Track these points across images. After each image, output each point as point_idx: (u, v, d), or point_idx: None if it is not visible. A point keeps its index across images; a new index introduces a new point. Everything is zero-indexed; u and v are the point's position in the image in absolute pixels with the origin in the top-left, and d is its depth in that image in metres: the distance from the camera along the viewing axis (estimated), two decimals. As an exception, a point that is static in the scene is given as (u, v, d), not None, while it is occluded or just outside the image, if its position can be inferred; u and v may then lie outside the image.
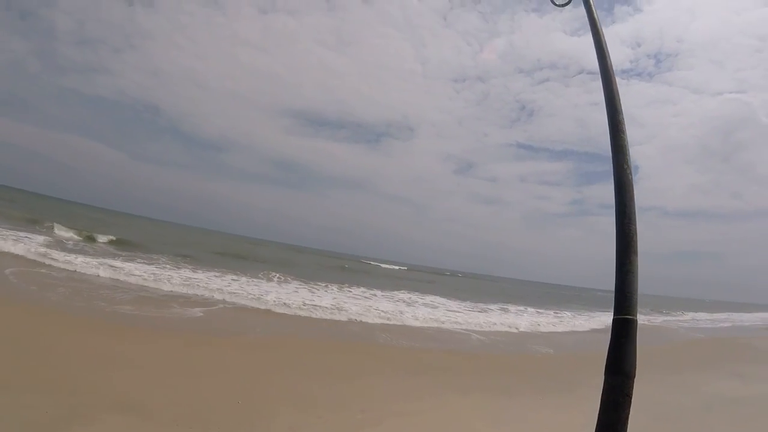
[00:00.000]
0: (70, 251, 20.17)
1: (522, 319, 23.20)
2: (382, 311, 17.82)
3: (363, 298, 21.87)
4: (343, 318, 15.60)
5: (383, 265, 74.36)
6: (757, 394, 11.01)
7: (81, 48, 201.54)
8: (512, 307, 28.05)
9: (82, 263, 16.83)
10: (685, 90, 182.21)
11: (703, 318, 40.79)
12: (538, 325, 21.60)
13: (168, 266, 21.06)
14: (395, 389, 8.39)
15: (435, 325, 17.34)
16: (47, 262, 16.31)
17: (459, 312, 22.26)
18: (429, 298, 26.40)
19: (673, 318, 36.84)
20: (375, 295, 23.65)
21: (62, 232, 27.35)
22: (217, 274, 21.11)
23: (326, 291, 22.22)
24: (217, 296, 15.46)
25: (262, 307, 15.22)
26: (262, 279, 22.81)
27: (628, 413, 1.38)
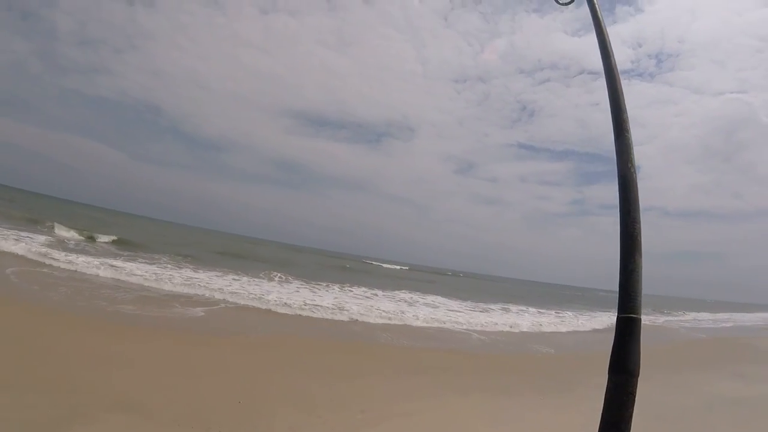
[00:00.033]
0: (72, 251, 20.19)
1: (523, 318, 23.19)
2: (383, 311, 17.82)
3: (364, 297, 21.88)
4: (344, 318, 15.60)
5: (384, 265, 74.42)
6: (758, 395, 11.00)
7: (82, 48, 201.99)
8: (513, 307, 28.03)
9: (84, 263, 16.84)
10: (687, 90, 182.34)
11: (704, 318, 40.75)
12: (540, 325, 21.58)
13: (169, 266, 21.09)
14: (396, 389, 8.38)
15: (436, 324, 17.33)
16: (48, 261, 16.32)
17: (460, 312, 22.27)
18: (430, 298, 26.40)
19: (675, 318, 36.80)
20: (376, 295, 23.65)
21: (63, 232, 27.39)
22: (218, 273, 21.13)
23: (327, 291, 22.21)
24: (219, 296, 15.46)
25: (264, 306, 15.23)
26: (264, 279, 22.82)
27: (632, 412, 1.37)
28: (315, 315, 15.28)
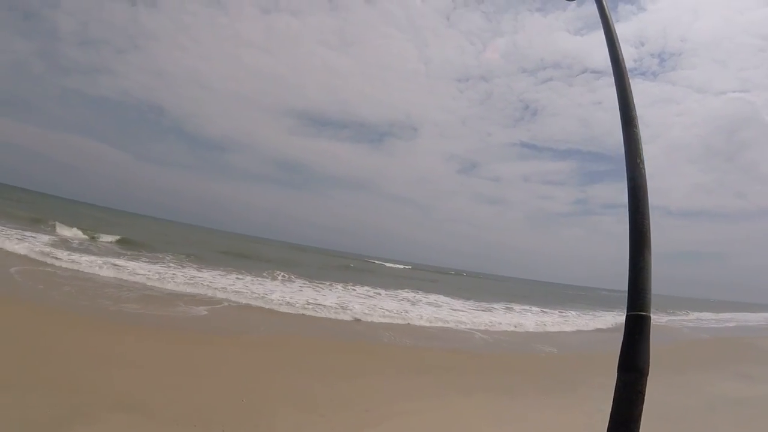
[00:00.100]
0: (75, 250, 20.24)
1: (526, 318, 23.18)
2: (386, 310, 17.82)
3: (367, 296, 21.88)
4: (347, 317, 15.60)
5: (387, 264, 74.38)
6: (761, 395, 10.96)
7: (84, 49, 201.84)
8: (516, 307, 28.03)
9: (87, 262, 16.88)
10: (689, 89, 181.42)
11: (707, 318, 40.67)
12: (543, 324, 21.57)
13: (172, 265, 21.13)
14: (399, 388, 8.37)
15: (439, 324, 17.32)
16: (52, 261, 16.35)
17: (463, 311, 22.26)
18: (433, 297, 26.38)
19: (678, 318, 36.70)
20: (379, 294, 23.65)
21: (66, 232, 27.42)
22: (221, 273, 21.16)
23: (330, 290, 22.21)
24: (222, 295, 15.46)
25: (267, 306, 15.23)
26: (267, 278, 22.83)
27: (641, 410, 1.35)
28: (318, 314, 15.28)
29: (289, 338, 11.76)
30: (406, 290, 27.63)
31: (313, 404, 6.90)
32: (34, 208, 46.20)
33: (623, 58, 1.70)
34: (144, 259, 21.83)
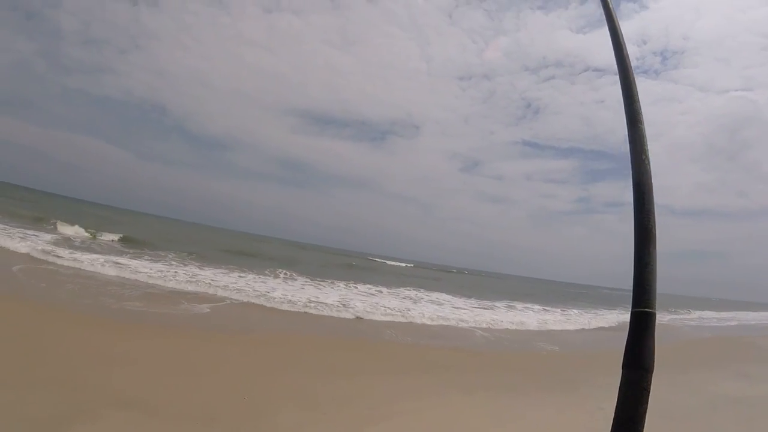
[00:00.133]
0: (77, 249, 20.29)
1: (528, 316, 23.20)
2: (388, 308, 17.83)
3: (369, 295, 21.91)
4: (349, 315, 15.60)
5: (389, 263, 74.52)
6: (763, 395, 10.93)
7: (87, 48, 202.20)
8: (518, 305, 28.03)
9: (89, 261, 16.90)
10: (691, 88, 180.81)
11: (709, 317, 40.64)
12: (545, 322, 21.58)
13: (175, 263, 21.16)
14: (400, 387, 8.36)
15: (441, 322, 17.31)
16: (54, 259, 16.37)
17: (465, 309, 22.26)
18: (435, 295, 26.38)
19: (680, 316, 36.69)
20: (381, 292, 23.69)
21: (69, 230, 27.44)
22: (223, 271, 21.20)
23: (332, 288, 22.22)
24: (224, 293, 15.48)
25: (269, 304, 15.24)
26: (269, 276, 22.87)
27: (646, 408, 1.34)
28: (320, 312, 15.28)
29: (291, 336, 11.76)
30: (408, 288, 27.68)
31: (315, 402, 6.90)
32: (36, 206, 46.29)
33: (628, 55, 1.69)
34: (146, 257, 21.86)
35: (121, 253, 21.68)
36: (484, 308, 24.10)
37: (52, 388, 5.83)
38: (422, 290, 28.05)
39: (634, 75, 1.68)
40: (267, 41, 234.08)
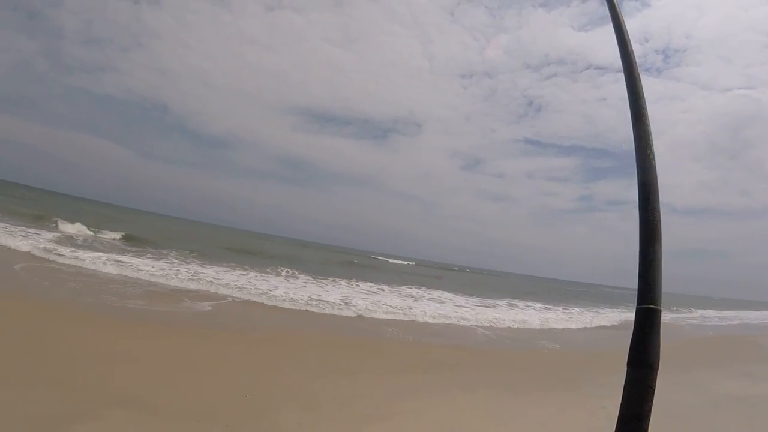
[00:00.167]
0: (79, 247, 20.34)
1: (530, 315, 23.21)
2: (390, 306, 17.82)
3: (370, 293, 21.91)
4: (351, 313, 15.60)
5: (391, 261, 74.41)
6: (765, 394, 10.93)
7: (88, 47, 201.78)
8: (520, 303, 28.04)
9: (91, 259, 16.92)
10: (694, 86, 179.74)
11: (711, 316, 40.61)
12: (547, 321, 21.57)
13: (177, 261, 21.18)
14: (402, 385, 8.36)
15: (442, 320, 17.31)
16: (56, 258, 16.38)
17: (466, 307, 22.25)
18: (436, 294, 26.39)
19: (682, 315, 36.64)
20: (382, 290, 23.70)
21: (71, 229, 27.47)
22: (225, 269, 21.21)
23: (334, 286, 22.22)
24: (226, 291, 15.48)
25: (270, 302, 15.25)
26: (271, 274, 22.89)
27: (651, 406, 1.33)
28: (321, 310, 15.28)
29: (293, 334, 11.77)
30: (409, 286, 27.68)
31: (316, 401, 6.90)
32: (38, 205, 46.42)
33: (632, 50, 1.68)
34: (148, 255, 21.88)
35: (123, 252, 21.71)
36: (486, 306, 24.08)
37: (54, 386, 5.83)
38: (424, 288, 28.07)
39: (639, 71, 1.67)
40: (268, 39, 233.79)
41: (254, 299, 15.28)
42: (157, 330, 9.90)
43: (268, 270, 24.01)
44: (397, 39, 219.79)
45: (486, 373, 10.58)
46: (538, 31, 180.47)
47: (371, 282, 26.15)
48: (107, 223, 36.65)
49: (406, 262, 78.16)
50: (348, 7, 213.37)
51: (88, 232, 27.50)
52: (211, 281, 16.63)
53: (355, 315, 15.52)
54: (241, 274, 20.35)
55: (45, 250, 17.20)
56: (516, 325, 19.01)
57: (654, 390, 1.34)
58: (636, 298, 1.43)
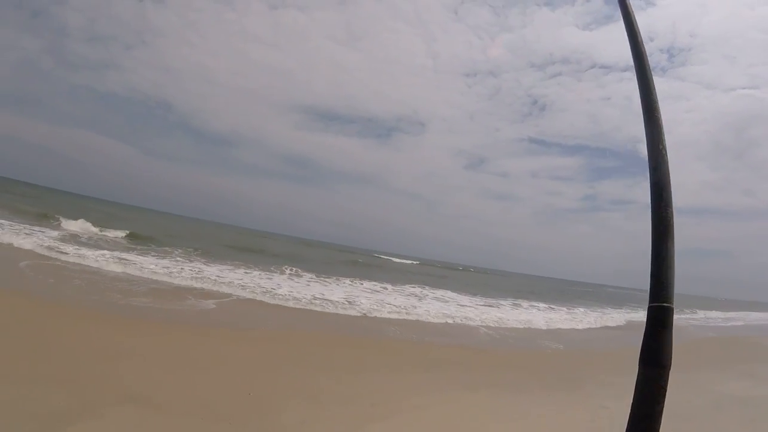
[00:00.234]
0: (83, 245, 20.39)
1: (533, 314, 23.15)
2: (393, 305, 17.81)
3: (374, 292, 21.89)
4: (354, 312, 15.59)
5: (395, 260, 74.38)
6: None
7: (92, 45, 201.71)
8: (524, 303, 27.98)
9: (96, 257, 16.94)
10: (698, 85, 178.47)
11: (715, 316, 40.47)
12: (551, 321, 21.51)
13: (180, 259, 21.20)
14: (404, 384, 8.36)
15: (445, 320, 17.28)
16: (61, 255, 16.41)
17: (470, 307, 22.21)
18: (440, 293, 26.36)
19: (685, 316, 36.47)
20: (386, 289, 23.70)
21: (75, 227, 27.53)
22: (229, 267, 21.23)
23: (338, 285, 22.22)
24: (229, 289, 15.49)
25: (274, 300, 15.25)
26: (275, 272, 22.88)
27: (663, 406, 1.30)
28: (325, 309, 15.28)
29: (296, 333, 11.76)
30: (413, 285, 27.66)
31: (319, 399, 6.90)
32: (42, 203, 46.53)
33: (642, 41, 1.65)
34: (152, 253, 21.94)
35: (127, 250, 21.75)
36: (489, 306, 24.03)
37: (59, 383, 5.84)
38: (427, 287, 28.07)
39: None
40: (272, 37, 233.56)
41: (258, 297, 15.29)
42: (161, 327, 9.91)
43: (272, 268, 23.99)
44: (401, 37, 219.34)
45: (488, 372, 10.55)
46: (543, 30, 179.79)
47: (375, 281, 26.14)
48: (111, 221, 36.72)
49: (409, 261, 78.08)
50: (352, 5, 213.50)
51: (92, 230, 27.52)
52: (215, 279, 16.65)
53: (359, 314, 15.50)
54: (245, 273, 20.36)
55: (49, 248, 17.23)
56: (519, 325, 18.95)
57: (666, 390, 1.32)
58: (648, 296, 1.40)
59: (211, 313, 12.05)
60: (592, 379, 10.52)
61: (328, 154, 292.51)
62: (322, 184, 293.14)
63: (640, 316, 28.08)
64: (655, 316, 1.38)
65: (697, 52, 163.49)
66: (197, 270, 18.31)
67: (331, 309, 15.39)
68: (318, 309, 15.14)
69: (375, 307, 16.69)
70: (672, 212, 1.43)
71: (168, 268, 17.59)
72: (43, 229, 22.53)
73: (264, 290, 16.35)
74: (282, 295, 16.07)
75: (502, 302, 26.75)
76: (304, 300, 15.81)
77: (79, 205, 59.29)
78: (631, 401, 1.33)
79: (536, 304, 28.19)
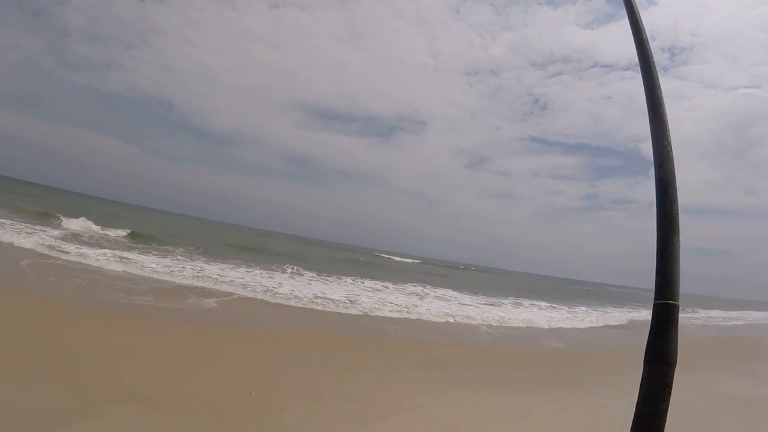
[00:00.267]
0: (85, 244, 20.41)
1: (535, 313, 23.13)
2: (395, 304, 17.79)
3: (375, 290, 21.89)
4: (355, 311, 15.58)
5: (396, 258, 74.23)
6: (769, 394, 10.88)
7: (93, 44, 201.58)
8: (525, 302, 27.96)
9: (97, 256, 16.96)
10: (699, 84, 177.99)
11: (716, 316, 40.43)
12: (552, 320, 21.49)
13: (182, 258, 21.22)
14: (405, 383, 8.35)
15: (447, 318, 17.26)
16: (62, 254, 16.43)
17: (471, 306, 22.19)
18: (441, 292, 26.34)
19: (686, 315, 36.44)
20: (387, 288, 23.68)
21: (76, 226, 27.54)
22: (230, 266, 21.25)
23: (339, 283, 22.21)
24: (231, 288, 15.49)
25: (275, 299, 15.24)
26: (276, 271, 22.87)
27: (668, 405, 1.29)
28: (326, 308, 15.27)
29: (297, 331, 11.76)
30: (414, 284, 27.60)
31: (321, 397, 6.90)
32: (43, 202, 46.55)
33: (647, 38, 1.63)
34: (153, 252, 21.96)
35: (128, 248, 21.75)
36: (491, 305, 24.01)
37: (59, 382, 5.84)
38: (428, 286, 28.05)
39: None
40: (273, 37, 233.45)
41: (259, 296, 15.28)
42: (162, 326, 9.92)
43: (273, 267, 23.98)
44: (402, 36, 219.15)
45: (490, 371, 10.54)
46: (544, 29, 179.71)
47: (376, 280, 26.12)
48: (112, 220, 36.71)
49: (410, 260, 77.92)
50: (353, 4, 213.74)
51: (93, 229, 27.53)
52: (216, 278, 16.64)
53: (360, 313, 15.49)
54: (246, 271, 20.36)
55: (50, 247, 17.24)
56: (521, 324, 18.93)
57: (671, 388, 1.31)
58: (653, 293, 1.39)
59: (212, 312, 12.04)
60: (594, 378, 10.51)
61: (330, 153, 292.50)
62: (323, 183, 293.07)
63: (642, 315, 28.13)
64: (661, 314, 1.37)
65: (699, 52, 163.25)
66: (198, 269, 18.32)
67: (332, 308, 15.38)
68: (319, 308, 15.14)
69: (376, 306, 16.69)
70: (677, 209, 1.42)
71: (169, 266, 17.61)
72: (44, 228, 22.55)
73: (265, 289, 16.34)
74: (283, 293, 16.07)
75: (503, 301, 26.73)
76: (305, 299, 15.81)
77: (80, 204, 59.28)
78: (636, 399, 1.32)
79: (537, 303, 28.17)
